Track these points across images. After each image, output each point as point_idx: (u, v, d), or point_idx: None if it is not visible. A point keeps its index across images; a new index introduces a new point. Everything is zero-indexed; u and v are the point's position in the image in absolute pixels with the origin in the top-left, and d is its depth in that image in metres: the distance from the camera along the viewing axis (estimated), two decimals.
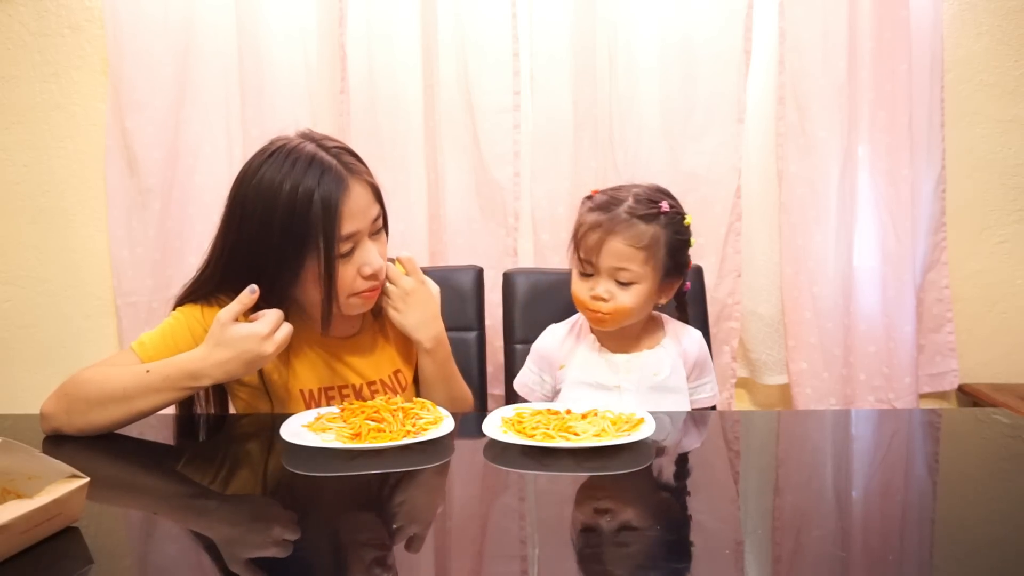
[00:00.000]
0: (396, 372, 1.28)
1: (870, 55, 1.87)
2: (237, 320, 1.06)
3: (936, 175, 1.97)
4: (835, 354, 1.94)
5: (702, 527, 0.77)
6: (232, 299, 1.09)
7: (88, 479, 0.74)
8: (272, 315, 1.07)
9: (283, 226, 1.09)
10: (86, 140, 2.04)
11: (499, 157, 1.94)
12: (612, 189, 1.31)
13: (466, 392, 1.34)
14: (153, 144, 1.94)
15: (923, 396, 2.02)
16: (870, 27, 1.87)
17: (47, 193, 2.06)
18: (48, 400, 1.09)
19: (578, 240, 1.27)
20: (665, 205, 1.26)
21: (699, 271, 1.64)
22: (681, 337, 1.35)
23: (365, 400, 1.18)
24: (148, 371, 1.06)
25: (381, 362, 1.27)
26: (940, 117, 1.95)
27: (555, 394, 1.36)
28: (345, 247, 1.12)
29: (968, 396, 2.02)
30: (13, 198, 2.07)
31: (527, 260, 1.98)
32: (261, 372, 1.17)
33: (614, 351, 1.32)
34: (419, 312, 1.22)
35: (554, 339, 1.38)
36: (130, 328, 1.98)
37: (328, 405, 1.20)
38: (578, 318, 1.39)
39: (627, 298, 1.24)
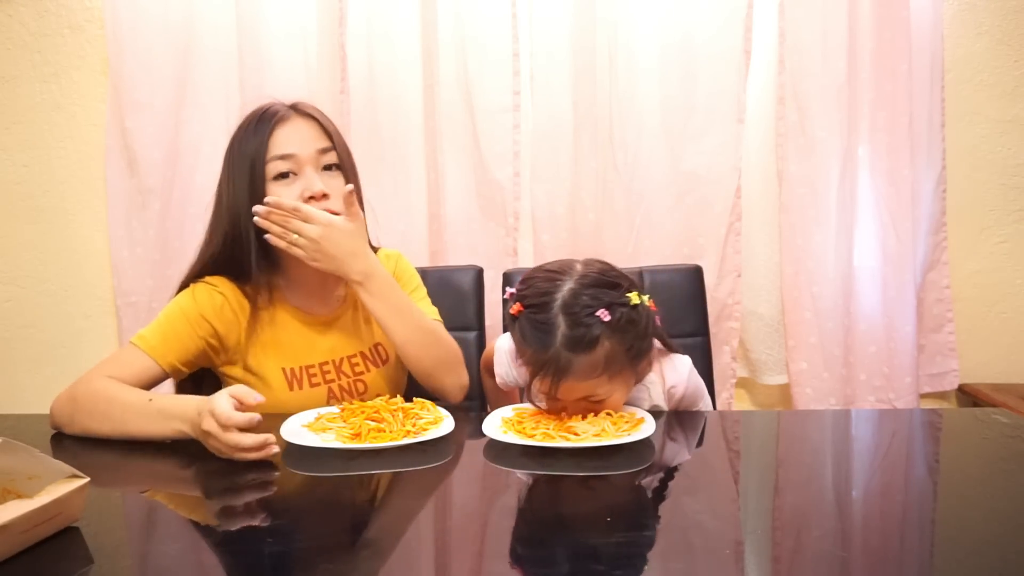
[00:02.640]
0: (376, 345, 1.29)
1: (870, 55, 1.87)
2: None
3: (936, 175, 1.97)
4: (835, 354, 1.94)
5: (702, 527, 0.77)
6: (222, 275, 1.21)
7: (88, 479, 0.74)
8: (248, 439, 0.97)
9: (232, 166, 1.20)
10: (86, 140, 2.05)
11: (499, 157, 1.94)
12: (535, 300, 1.05)
13: (436, 328, 1.26)
14: (153, 144, 1.94)
15: (923, 396, 2.02)
16: (870, 27, 1.87)
17: (47, 193, 2.06)
18: (57, 400, 1.15)
19: (529, 375, 1.07)
20: (603, 314, 1.02)
21: (699, 271, 1.64)
22: (667, 373, 1.20)
23: (346, 375, 1.23)
24: (150, 400, 1.08)
25: (362, 336, 1.29)
26: (940, 117, 1.95)
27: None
28: (280, 166, 1.18)
29: (968, 396, 2.01)
30: (13, 198, 2.07)
31: (527, 260, 1.98)
32: (246, 358, 1.22)
33: None
34: (336, 252, 1.16)
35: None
36: (130, 328, 1.98)
37: (310, 383, 1.23)
38: None
39: (608, 404, 1.07)
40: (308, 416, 1.07)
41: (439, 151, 1.95)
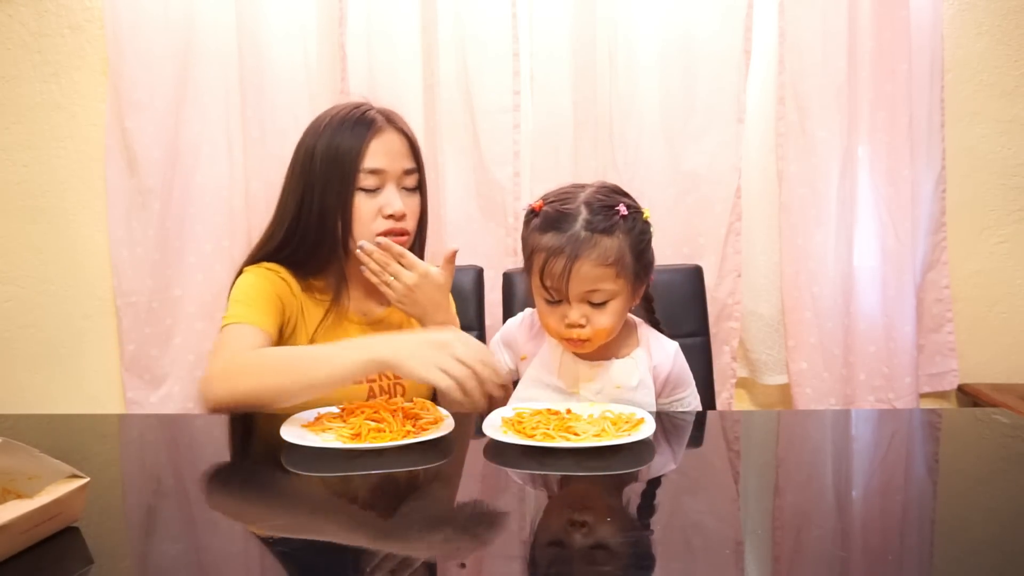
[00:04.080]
0: None
1: (870, 55, 1.87)
2: None
3: (936, 175, 1.97)
4: (835, 354, 1.94)
5: (702, 527, 0.77)
6: (286, 259, 1.24)
7: (88, 479, 0.74)
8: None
9: (321, 162, 1.22)
10: (86, 140, 2.05)
11: (499, 157, 1.94)
12: (557, 198, 1.16)
13: None
14: (153, 144, 1.94)
15: (923, 396, 2.02)
16: (870, 27, 1.87)
17: (47, 193, 2.06)
18: (206, 379, 1.11)
19: (539, 267, 1.12)
20: (622, 208, 1.13)
21: (699, 271, 1.65)
22: (654, 350, 1.24)
23: (387, 376, 1.26)
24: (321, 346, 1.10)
25: None
26: (940, 117, 1.95)
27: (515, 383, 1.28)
28: (368, 181, 1.22)
29: (968, 396, 2.02)
30: (13, 198, 2.07)
31: None
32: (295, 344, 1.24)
33: (580, 356, 1.21)
34: (425, 301, 1.24)
35: (522, 325, 1.29)
36: (130, 328, 1.98)
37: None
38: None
39: (604, 319, 1.13)
40: (308, 416, 1.07)
41: (439, 151, 1.95)
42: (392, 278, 1.22)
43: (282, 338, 1.24)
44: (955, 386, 2.02)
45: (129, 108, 1.94)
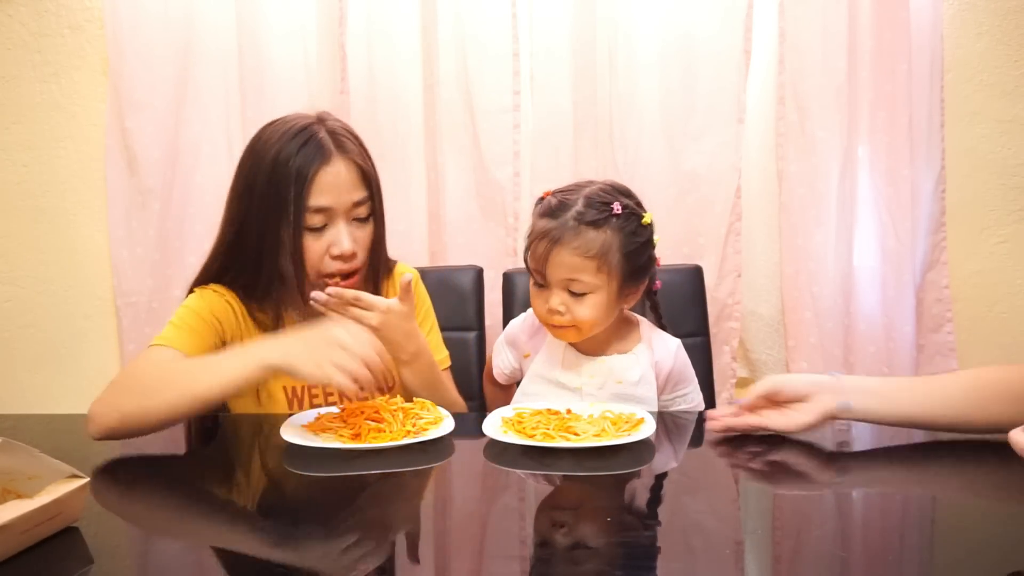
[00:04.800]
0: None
1: (870, 55, 1.87)
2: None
3: (936, 175, 1.97)
4: (835, 354, 1.94)
5: (702, 527, 0.77)
6: (230, 282, 1.17)
7: (88, 479, 0.74)
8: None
9: (262, 190, 1.13)
10: (86, 140, 2.04)
11: (499, 157, 1.94)
12: (566, 189, 1.21)
13: (456, 398, 1.30)
14: (153, 144, 1.94)
15: None
16: (870, 27, 1.87)
17: (47, 193, 2.06)
18: (96, 403, 1.03)
19: (529, 249, 1.19)
20: (617, 206, 1.15)
21: (699, 271, 1.64)
22: (656, 346, 1.26)
23: (350, 399, 1.19)
24: (211, 355, 1.04)
25: None
26: (940, 117, 1.95)
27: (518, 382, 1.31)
28: (314, 220, 1.13)
29: None
30: (13, 198, 2.07)
31: None
32: None
33: (581, 351, 1.25)
34: (393, 336, 1.15)
35: (524, 324, 1.33)
36: (130, 328, 1.98)
37: (311, 402, 1.22)
38: None
39: (584, 310, 1.16)
40: (308, 416, 1.07)
41: (439, 151, 1.95)
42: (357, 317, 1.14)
43: None
44: None
45: (129, 108, 1.94)
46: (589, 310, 1.16)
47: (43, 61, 2.03)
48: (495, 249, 1.97)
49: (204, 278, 1.23)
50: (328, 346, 0.96)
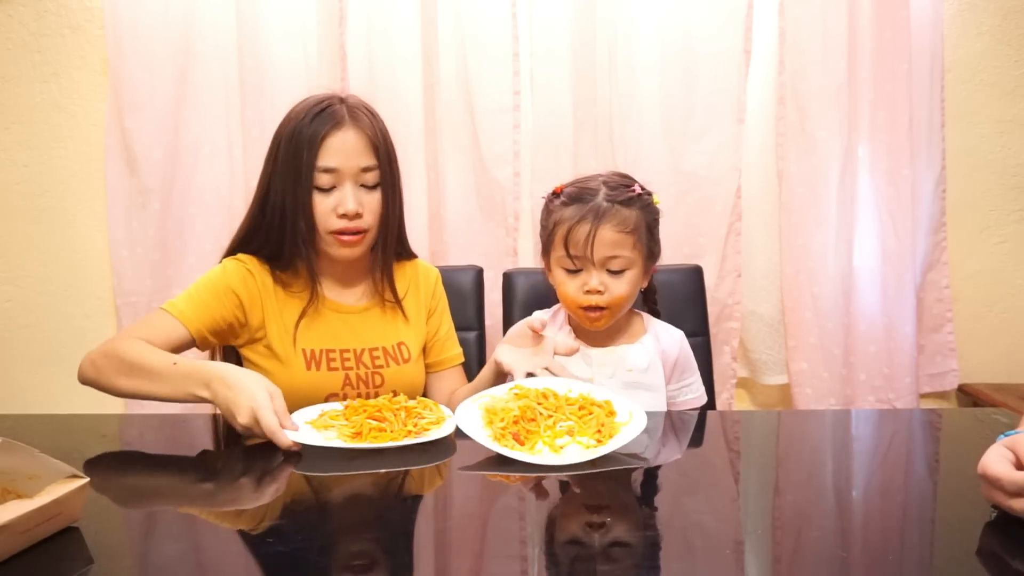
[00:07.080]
0: (400, 344, 1.31)
1: (870, 55, 1.87)
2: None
3: (936, 175, 1.97)
4: (835, 354, 1.94)
5: (702, 527, 0.77)
6: (256, 250, 1.25)
7: (88, 479, 0.74)
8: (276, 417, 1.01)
9: (283, 157, 1.22)
10: (86, 140, 2.04)
11: (499, 157, 1.94)
12: (577, 181, 1.28)
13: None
14: (153, 144, 1.94)
15: (923, 396, 2.02)
16: (870, 27, 1.87)
17: (47, 193, 2.06)
18: (88, 357, 1.18)
19: (562, 237, 1.23)
20: (637, 187, 1.26)
21: (699, 271, 1.64)
22: (661, 336, 1.32)
23: (365, 366, 1.26)
24: (175, 363, 1.11)
25: (387, 332, 1.31)
26: (940, 117, 1.95)
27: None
28: (323, 180, 1.21)
29: (968, 396, 2.02)
30: (13, 198, 2.07)
31: (527, 260, 1.98)
32: (269, 340, 1.24)
33: (590, 344, 1.29)
34: None
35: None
36: None
37: (328, 366, 1.26)
38: (559, 306, 1.35)
39: (621, 286, 1.22)
40: (311, 413, 1.07)
41: (439, 151, 1.95)
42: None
43: (247, 329, 1.25)
44: (955, 386, 2.02)
45: (129, 108, 1.94)
46: (626, 286, 1.23)
47: (43, 61, 2.03)
48: (495, 249, 1.97)
49: (233, 248, 1.30)
50: (247, 399, 1.00)
